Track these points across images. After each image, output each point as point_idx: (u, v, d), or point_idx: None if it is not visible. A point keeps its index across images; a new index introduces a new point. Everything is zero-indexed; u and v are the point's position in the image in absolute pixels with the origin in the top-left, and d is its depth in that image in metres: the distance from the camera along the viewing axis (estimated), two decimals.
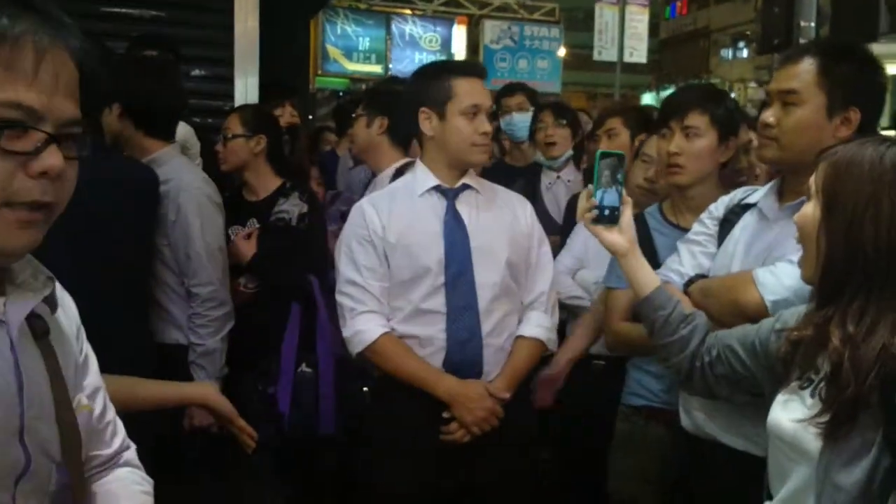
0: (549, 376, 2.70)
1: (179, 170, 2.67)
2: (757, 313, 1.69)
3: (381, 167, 3.14)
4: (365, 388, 2.72)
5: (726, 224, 1.99)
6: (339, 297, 2.33)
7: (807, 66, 1.78)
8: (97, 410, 1.13)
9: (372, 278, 2.29)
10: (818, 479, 1.30)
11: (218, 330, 2.66)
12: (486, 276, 2.28)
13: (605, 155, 1.76)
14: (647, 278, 1.75)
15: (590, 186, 1.76)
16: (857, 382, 1.25)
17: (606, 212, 1.74)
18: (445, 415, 2.24)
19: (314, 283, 2.88)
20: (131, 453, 1.23)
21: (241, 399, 2.00)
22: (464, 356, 2.26)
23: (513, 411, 2.29)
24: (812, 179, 1.41)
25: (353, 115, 3.23)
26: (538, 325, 2.37)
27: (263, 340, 2.79)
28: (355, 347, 2.29)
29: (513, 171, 3.83)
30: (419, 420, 2.26)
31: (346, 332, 2.32)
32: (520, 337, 2.35)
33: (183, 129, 3.25)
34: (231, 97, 3.64)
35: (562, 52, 19.04)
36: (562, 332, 2.72)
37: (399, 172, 3.06)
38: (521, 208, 2.44)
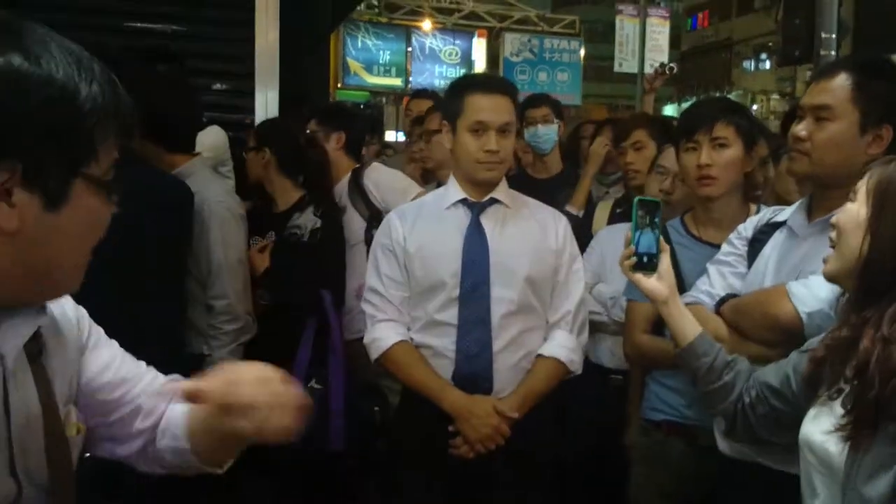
0: None
1: (203, 182, 2.68)
2: (792, 326, 1.67)
3: (338, 179, 3.25)
4: (376, 408, 2.70)
5: (756, 244, 1.98)
6: (363, 305, 2.39)
7: (841, 82, 1.77)
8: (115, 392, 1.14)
9: (392, 287, 2.31)
10: (843, 491, 1.28)
11: (229, 343, 2.65)
12: (503, 291, 2.26)
13: (642, 202, 1.76)
14: (688, 326, 1.71)
15: (628, 233, 1.75)
16: (881, 383, 1.24)
17: (645, 258, 1.73)
18: (451, 429, 2.23)
19: (326, 298, 2.86)
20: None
21: None
22: (472, 370, 2.24)
23: (533, 431, 2.26)
24: (862, 182, 1.41)
25: (308, 133, 3.28)
26: (560, 344, 2.32)
27: (277, 354, 2.78)
28: (373, 354, 2.32)
29: (535, 182, 3.81)
30: (440, 432, 2.24)
31: (365, 339, 2.35)
32: (539, 356, 2.31)
33: (218, 136, 3.33)
34: (251, 111, 3.66)
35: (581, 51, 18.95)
36: None
37: (355, 176, 3.20)
38: (554, 224, 2.39)
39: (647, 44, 16.38)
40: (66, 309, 1.09)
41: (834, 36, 5.30)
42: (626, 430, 2.64)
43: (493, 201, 2.34)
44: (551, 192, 3.47)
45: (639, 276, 1.74)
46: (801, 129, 1.82)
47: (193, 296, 2.68)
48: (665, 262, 1.74)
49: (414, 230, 2.32)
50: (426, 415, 2.26)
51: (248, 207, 3.22)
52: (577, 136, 4.54)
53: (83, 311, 1.13)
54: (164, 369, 1.96)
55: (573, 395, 2.67)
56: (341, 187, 3.23)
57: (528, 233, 2.34)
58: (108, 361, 1.14)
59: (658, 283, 1.73)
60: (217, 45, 3.64)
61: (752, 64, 28.82)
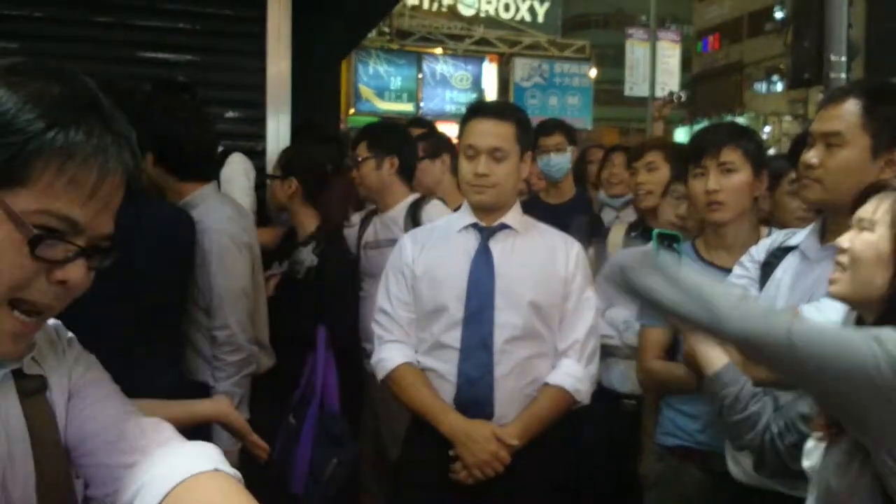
0: None
1: (208, 211, 2.62)
2: None
3: (390, 205, 3.16)
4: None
5: (767, 267, 1.97)
6: (372, 325, 2.41)
7: (850, 108, 1.77)
8: None
9: (401, 308, 2.33)
10: (817, 486, 1.30)
11: (232, 374, 2.58)
12: (507, 316, 2.25)
13: (661, 235, 1.77)
14: (714, 355, 1.71)
15: None
16: None
17: None
18: (451, 453, 2.21)
19: (320, 335, 2.78)
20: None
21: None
22: (473, 394, 2.22)
23: (542, 456, 2.24)
24: (873, 209, 1.37)
25: (360, 159, 3.18)
26: (567, 373, 2.29)
27: (284, 384, 2.77)
28: (379, 374, 2.34)
29: (548, 208, 3.83)
30: (446, 456, 2.22)
31: (372, 360, 2.37)
32: (545, 384, 2.28)
33: (247, 165, 3.35)
34: (263, 138, 3.70)
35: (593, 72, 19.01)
36: None
37: (414, 207, 3.11)
38: (566, 251, 2.36)
39: (658, 67, 16.46)
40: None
41: (843, 58, 5.30)
42: (639, 455, 2.62)
43: (503, 226, 2.34)
44: (565, 216, 3.47)
45: None
46: (811, 156, 1.82)
47: (200, 325, 2.64)
48: None
49: (423, 252, 2.34)
50: (434, 437, 2.25)
51: (282, 233, 3.24)
52: (584, 160, 4.56)
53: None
54: (169, 399, 1.95)
55: (585, 420, 2.66)
56: (396, 214, 3.13)
57: (535, 258, 2.33)
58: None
59: None
60: (230, 74, 3.68)
61: (764, 86, 28.81)
